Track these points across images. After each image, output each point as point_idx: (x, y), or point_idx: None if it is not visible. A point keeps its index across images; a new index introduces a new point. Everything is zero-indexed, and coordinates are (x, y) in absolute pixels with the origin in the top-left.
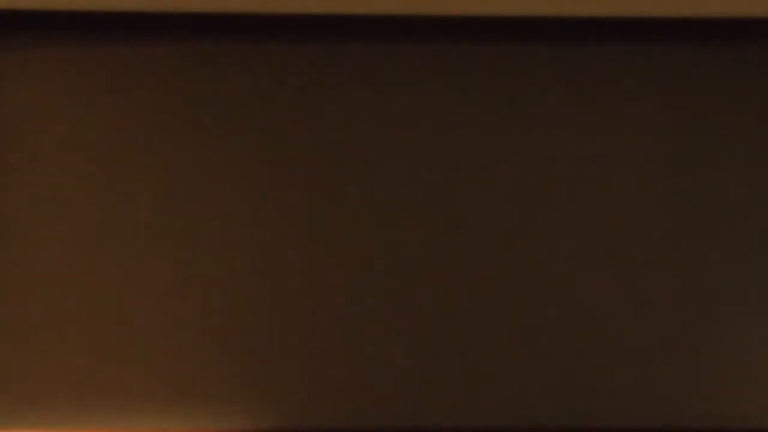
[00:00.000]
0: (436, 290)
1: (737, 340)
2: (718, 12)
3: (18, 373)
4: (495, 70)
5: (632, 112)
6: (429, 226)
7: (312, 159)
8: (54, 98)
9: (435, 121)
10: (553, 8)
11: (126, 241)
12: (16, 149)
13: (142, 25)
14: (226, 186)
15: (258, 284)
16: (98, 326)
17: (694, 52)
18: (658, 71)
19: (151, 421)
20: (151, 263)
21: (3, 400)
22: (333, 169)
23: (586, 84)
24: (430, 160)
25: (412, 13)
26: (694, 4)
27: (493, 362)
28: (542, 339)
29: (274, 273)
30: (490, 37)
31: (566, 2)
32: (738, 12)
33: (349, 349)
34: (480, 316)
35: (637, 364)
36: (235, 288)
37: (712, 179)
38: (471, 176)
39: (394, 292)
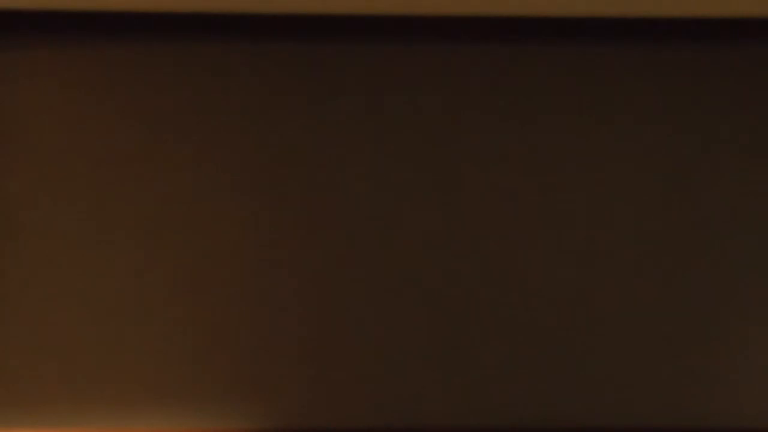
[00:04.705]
0: (436, 291)
1: (738, 340)
2: (718, 12)
3: (18, 373)
4: (495, 70)
5: (632, 112)
6: (430, 226)
7: (311, 159)
8: (54, 98)
9: (435, 121)
10: (553, 8)
11: (126, 241)
12: (16, 149)
13: (142, 25)
14: (225, 186)
15: (258, 285)
16: (98, 327)
17: (694, 52)
18: (658, 71)
19: (151, 421)
20: (151, 263)
21: (3, 400)
22: (333, 169)
23: (586, 84)
24: (430, 160)
25: (412, 13)
26: (693, 4)
27: (494, 362)
28: (543, 339)
29: (274, 273)
30: (490, 37)
31: (566, 2)
32: (738, 12)
33: (349, 349)
34: (480, 317)
35: (637, 364)
36: (235, 288)
37: (713, 179)
38: (472, 176)
39: (394, 292)
